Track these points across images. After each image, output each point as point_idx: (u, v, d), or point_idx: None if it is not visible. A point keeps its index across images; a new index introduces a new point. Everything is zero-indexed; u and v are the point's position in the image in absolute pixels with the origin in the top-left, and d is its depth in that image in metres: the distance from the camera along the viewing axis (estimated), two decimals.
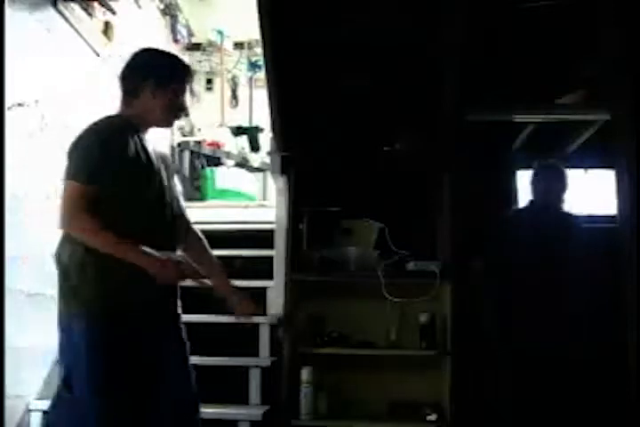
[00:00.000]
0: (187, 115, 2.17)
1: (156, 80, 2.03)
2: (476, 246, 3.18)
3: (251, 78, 5.65)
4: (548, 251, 3.03)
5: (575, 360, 2.93)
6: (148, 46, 2.22)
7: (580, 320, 2.95)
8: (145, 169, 1.99)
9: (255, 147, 5.23)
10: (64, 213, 1.88)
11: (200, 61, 5.70)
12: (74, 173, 1.90)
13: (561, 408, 2.89)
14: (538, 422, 2.93)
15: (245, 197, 5.05)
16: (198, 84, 5.71)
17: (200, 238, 2.24)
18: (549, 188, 3.22)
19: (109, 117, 2.04)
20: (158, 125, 2.11)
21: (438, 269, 3.14)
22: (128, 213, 1.92)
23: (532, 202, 3.25)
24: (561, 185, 3.22)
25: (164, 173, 2.07)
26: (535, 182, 3.25)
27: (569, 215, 3.26)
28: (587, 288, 2.94)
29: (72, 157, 1.93)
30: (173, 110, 2.08)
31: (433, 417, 3.05)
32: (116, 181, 1.92)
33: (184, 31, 5.33)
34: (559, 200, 3.23)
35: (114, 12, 3.75)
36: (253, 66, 5.59)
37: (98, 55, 3.61)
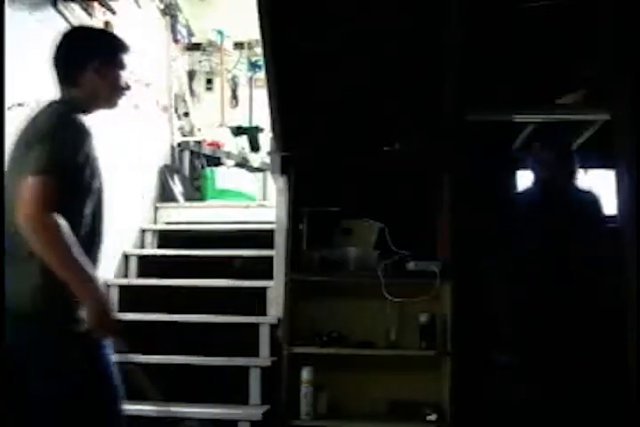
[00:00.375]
0: (129, 88, 2.02)
1: (101, 59, 1.94)
2: (476, 246, 3.17)
3: (251, 78, 5.66)
4: (558, 238, 2.83)
5: (578, 359, 2.92)
6: (76, 26, 2.10)
7: (585, 316, 2.91)
8: (96, 166, 1.85)
9: (255, 147, 5.23)
10: (31, 211, 1.66)
11: (200, 61, 5.72)
12: (45, 165, 1.70)
13: (562, 409, 2.89)
14: (538, 423, 2.93)
15: (245, 197, 5.06)
16: (198, 84, 5.73)
17: None
18: (555, 162, 2.94)
19: (57, 103, 1.89)
20: (104, 107, 1.99)
21: (438, 269, 3.14)
22: (76, 215, 1.79)
23: (535, 182, 3.06)
24: (568, 158, 2.96)
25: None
26: (536, 159, 3.01)
27: (584, 193, 2.95)
28: (596, 283, 2.83)
29: (38, 147, 1.72)
30: (120, 89, 1.99)
31: (433, 417, 3.05)
32: (80, 178, 1.79)
33: (184, 31, 5.34)
34: (570, 176, 2.93)
35: (114, 12, 3.76)
36: (253, 66, 5.60)
37: None
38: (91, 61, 1.92)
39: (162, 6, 4.99)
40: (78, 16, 3.37)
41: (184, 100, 5.37)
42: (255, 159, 5.37)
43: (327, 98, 3.26)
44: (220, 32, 5.59)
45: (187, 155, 5.17)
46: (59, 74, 1.95)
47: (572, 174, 3.03)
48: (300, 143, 3.28)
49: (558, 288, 2.97)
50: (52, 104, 1.89)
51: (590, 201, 3.01)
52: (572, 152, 3.07)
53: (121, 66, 1.99)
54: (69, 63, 1.95)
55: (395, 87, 3.26)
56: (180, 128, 5.29)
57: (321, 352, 3.12)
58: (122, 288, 3.77)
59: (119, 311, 3.71)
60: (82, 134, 1.79)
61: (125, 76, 2.00)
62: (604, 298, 2.82)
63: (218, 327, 3.41)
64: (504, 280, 3.08)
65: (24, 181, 1.69)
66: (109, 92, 1.97)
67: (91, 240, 1.85)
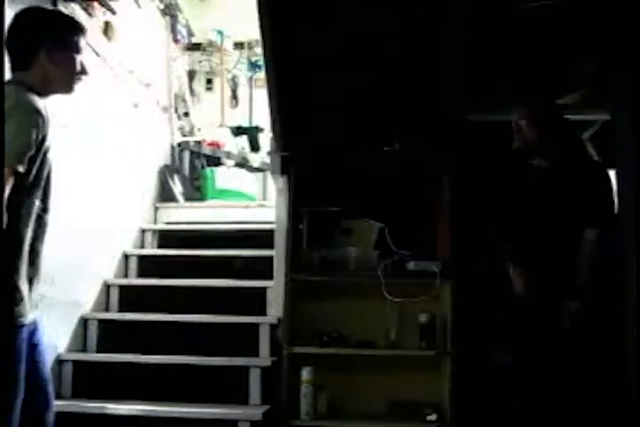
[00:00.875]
0: (86, 74, 1.93)
1: (54, 42, 1.86)
2: (476, 246, 3.17)
3: (251, 78, 5.67)
4: (558, 233, 2.69)
5: (579, 359, 2.92)
6: (28, 7, 1.96)
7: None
8: (46, 153, 1.80)
9: (255, 147, 5.24)
10: None
11: (200, 61, 5.72)
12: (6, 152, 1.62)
13: (562, 409, 2.89)
14: (538, 423, 2.92)
15: (245, 197, 5.06)
16: (198, 84, 5.74)
17: None
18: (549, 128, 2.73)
19: (11, 83, 1.79)
20: (60, 92, 1.92)
21: (438, 269, 3.14)
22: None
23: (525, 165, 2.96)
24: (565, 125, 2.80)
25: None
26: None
27: (589, 168, 2.70)
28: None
29: None
30: (74, 74, 1.91)
31: (433, 417, 3.05)
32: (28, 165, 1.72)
33: (184, 31, 5.34)
34: (580, 146, 2.75)
35: (114, 12, 3.75)
36: (253, 66, 5.61)
37: (98, 55, 3.61)
38: (42, 44, 1.85)
39: (162, 6, 4.99)
40: (78, 16, 3.36)
41: (184, 100, 5.38)
42: (255, 159, 5.37)
43: (327, 98, 3.26)
44: (220, 32, 5.60)
45: (187, 155, 5.18)
46: (10, 56, 1.86)
47: (566, 146, 2.81)
48: (300, 143, 3.28)
49: (559, 287, 2.96)
50: (15, 86, 1.79)
51: (594, 180, 2.74)
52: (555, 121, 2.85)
53: (76, 49, 1.90)
54: (20, 45, 1.85)
55: (395, 87, 3.26)
56: (180, 128, 5.29)
57: (321, 352, 3.12)
58: (122, 288, 3.77)
59: (119, 311, 3.73)
60: (30, 117, 1.74)
61: (81, 60, 1.92)
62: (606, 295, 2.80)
63: (218, 327, 3.41)
64: (504, 280, 3.07)
65: None
66: (63, 76, 1.89)
67: (39, 230, 1.81)
